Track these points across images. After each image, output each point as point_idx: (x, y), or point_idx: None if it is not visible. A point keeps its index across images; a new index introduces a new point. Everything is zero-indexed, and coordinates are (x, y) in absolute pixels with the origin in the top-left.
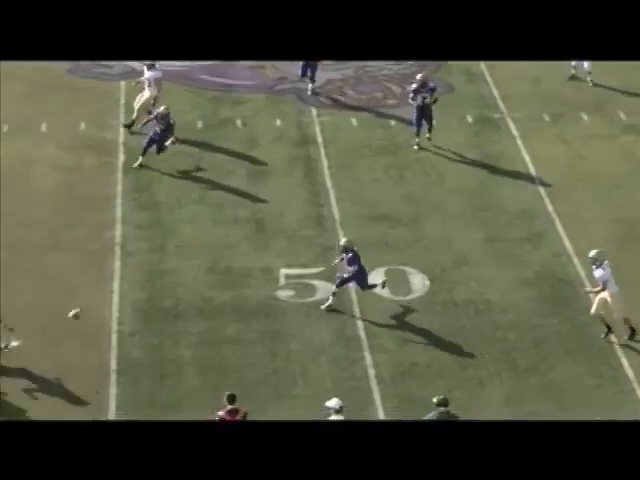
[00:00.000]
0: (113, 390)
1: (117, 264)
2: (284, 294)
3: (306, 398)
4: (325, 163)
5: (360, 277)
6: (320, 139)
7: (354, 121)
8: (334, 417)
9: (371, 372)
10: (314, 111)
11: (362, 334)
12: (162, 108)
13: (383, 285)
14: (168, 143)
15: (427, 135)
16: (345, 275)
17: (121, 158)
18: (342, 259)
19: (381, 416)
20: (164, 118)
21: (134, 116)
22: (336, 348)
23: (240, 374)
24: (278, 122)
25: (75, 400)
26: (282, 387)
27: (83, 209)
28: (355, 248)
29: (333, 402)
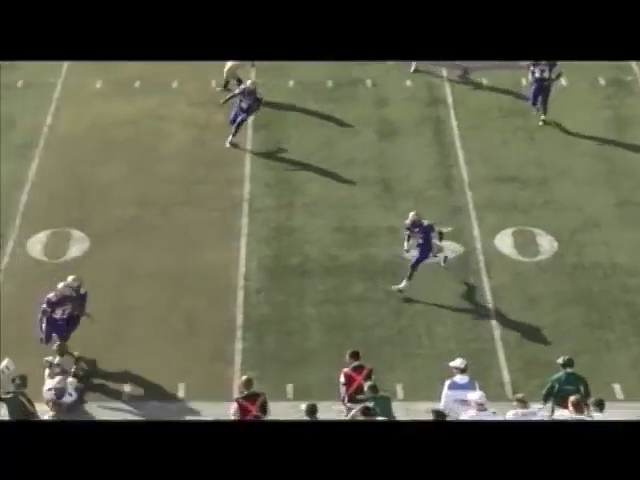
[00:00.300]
0: (239, 345)
1: (244, 221)
2: (410, 253)
3: (431, 358)
4: (454, 124)
5: (425, 253)
6: (450, 100)
7: (484, 82)
8: (458, 377)
9: (496, 333)
10: (444, 71)
11: (488, 295)
12: (249, 83)
13: (444, 260)
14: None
15: (542, 118)
16: (416, 255)
17: (251, 115)
18: (408, 237)
19: (506, 378)
20: (251, 94)
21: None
22: (462, 309)
23: (365, 333)
24: (408, 82)
25: (202, 355)
26: (407, 346)
27: (212, 166)
28: (425, 222)
29: (457, 362)
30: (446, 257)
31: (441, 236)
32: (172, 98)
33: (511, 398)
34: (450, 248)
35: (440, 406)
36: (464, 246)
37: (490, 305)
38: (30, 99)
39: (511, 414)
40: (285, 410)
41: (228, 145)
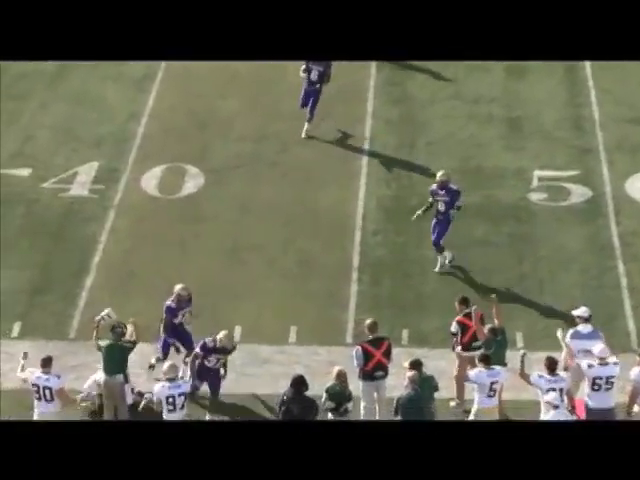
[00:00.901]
0: (354, 288)
1: (364, 160)
2: (536, 196)
3: (552, 306)
4: (587, 62)
5: (447, 225)
6: None
7: None
8: (582, 326)
9: (623, 281)
10: None
11: (616, 241)
12: None
13: (451, 259)
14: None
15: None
16: (438, 229)
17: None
18: (431, 204)
19: (631, 327)
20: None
21: None
22: (587, 255)
23: (485, 278)
24: None
25: (315, 297)
26: (528, 294)
27: (333, 102)
28: (453, 186)
29: (581, 310)
30: (453, 257)
31: (458, 209)
32: None
33: (637, 350)
34: (578, 192)
35: (561, 357)
36: (592, 190)
37: (617, 252)
38: None
39: (637, 371)
40: (399, 356)
41: (304, 135)
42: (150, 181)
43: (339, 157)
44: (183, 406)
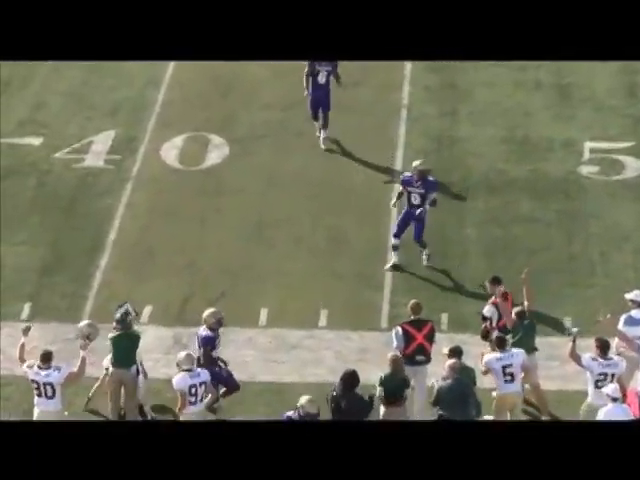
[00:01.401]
0: (389, 269)
1: (402, 129)
2: (587, 170)
3: (604, 289)
4: None
5: (424, 219)
6: None
7: None
8: (635, 311)
9: None
10: None
11: None
12: None
13: (428, 258)
14: None
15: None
16: (417, 226)
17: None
18: (400, 195)
19: None
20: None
21: None
22: None
23: (531, 258)
24: None
25: (347, 279)
26: (578, 275)
27: (369, 68)
28: (430, 177)
29: (635, 294)
30: (429, 255)
31: (433, 204)
32: None
33: None
34: (632, 165)
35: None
36: None
37: None
38: None
39: None
40: (439, 343)
41: (323, 146)
42: (170, 151)
43: (374, 126)
44: (202, 398)
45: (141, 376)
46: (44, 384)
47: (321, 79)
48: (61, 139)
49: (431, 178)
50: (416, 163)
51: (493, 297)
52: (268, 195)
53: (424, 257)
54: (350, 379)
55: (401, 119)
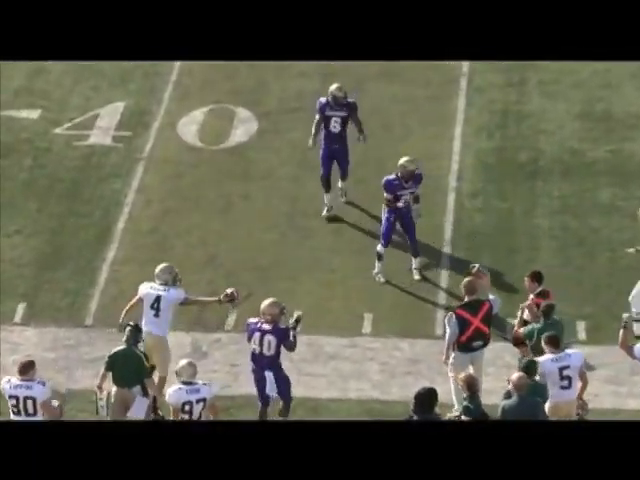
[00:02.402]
0: (445, 264)
1: (460, 102)
2: None
3: None
4: None
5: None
6: None
7: None
8: None
9: None
10: None
11: None
12: (333, 87)
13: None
14: None
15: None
16: (410, 225)
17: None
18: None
19: None
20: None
21: None
22: None
23: (612, 254)
24: None
25: (397, 275)
26: None
27: None
28: (418, 171)
29: None
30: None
31: (417, 200)
32: None
33: None
34: None
35: None
36: None
37: None
38: None
39: None
40: (502, 351)
41: (343, 199)
42: (189, 127)
43: (428, 98)
44: (200, 416)
45: (145, 401)
46: (25, 398)
47: (334, 127)
48: (62, 112)
49: (418, 171)
50: (405, 160)
51: (531, 296)
52: (302, 179)
53: (415, 270)
54: (427, 398)
55: (460, 90)
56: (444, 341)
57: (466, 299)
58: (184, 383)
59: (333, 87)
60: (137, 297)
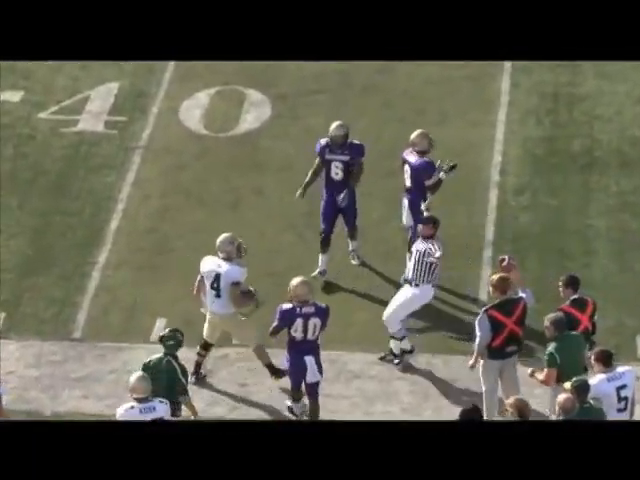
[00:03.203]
0: (486, 270)
1: (505, 83)
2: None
3: None
4: None
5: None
6: None
7: None
8: None
9: None
10: None
11: None
12: (333, 127)
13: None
14: None
15: None
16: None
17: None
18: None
19: None
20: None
21: None
22: None
23: None
24: None
25: None
26: None
27: None
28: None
29: None
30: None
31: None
32: None
33: None
34: None
35: None
36: None
37: None
38: None
39: None
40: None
41: (354, 262)
42: (192, 111)
43: (467, 79)
44: None
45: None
46: None
47: (335, 174)
48: (48, 94)
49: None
50: (418, 133)
51: (565, 303)
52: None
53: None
54: (472, 417)
55: (504, 71)
56: (474, 345)
57: (498, 299)
58: (137, 400)
59: (333, 126)
60: (199, 276)
